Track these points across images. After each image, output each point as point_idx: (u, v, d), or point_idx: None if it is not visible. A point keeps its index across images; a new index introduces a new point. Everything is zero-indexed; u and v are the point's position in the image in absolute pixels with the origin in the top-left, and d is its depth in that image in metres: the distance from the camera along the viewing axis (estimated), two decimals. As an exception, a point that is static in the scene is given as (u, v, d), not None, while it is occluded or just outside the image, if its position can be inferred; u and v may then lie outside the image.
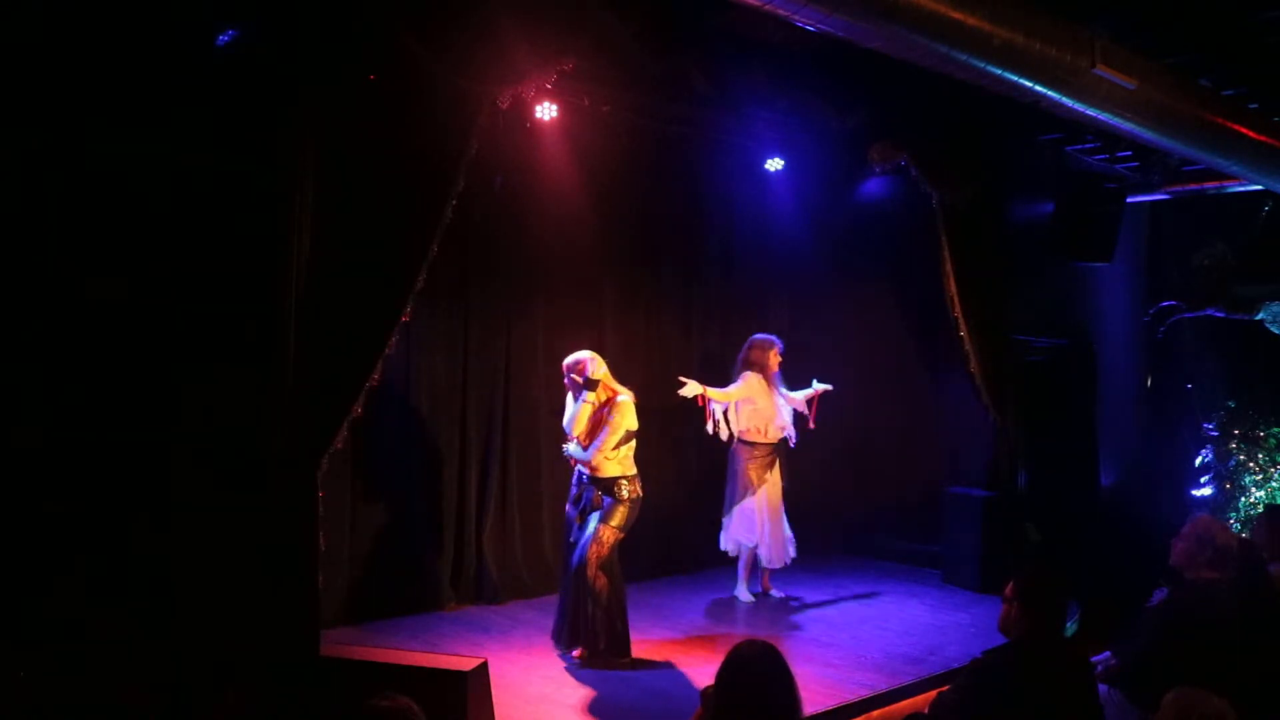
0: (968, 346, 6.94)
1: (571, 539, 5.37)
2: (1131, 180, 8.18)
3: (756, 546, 6.54)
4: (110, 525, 4.09)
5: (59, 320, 4.07)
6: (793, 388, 6.67)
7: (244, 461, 4.24)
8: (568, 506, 5.47)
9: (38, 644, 3.87)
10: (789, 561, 6.65)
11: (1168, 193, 8.38)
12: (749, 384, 6.47)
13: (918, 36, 4.41)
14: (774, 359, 6.52)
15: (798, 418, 6.67)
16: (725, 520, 6.64)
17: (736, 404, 6.50)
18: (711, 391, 6.31)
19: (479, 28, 4.46)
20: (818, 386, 6.64)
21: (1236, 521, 7.49)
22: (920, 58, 4.65)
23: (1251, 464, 7.76)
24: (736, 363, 6.62)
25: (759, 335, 6.64)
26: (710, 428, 6.40)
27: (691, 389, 6.13)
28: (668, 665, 5.37)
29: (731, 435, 6.47)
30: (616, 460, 5.28)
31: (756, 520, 6.48)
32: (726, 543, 6.66)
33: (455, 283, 6.25)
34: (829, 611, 6.55)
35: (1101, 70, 5.00)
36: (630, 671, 5.23)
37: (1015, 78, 4.88)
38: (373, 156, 4.38)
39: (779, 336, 6.69)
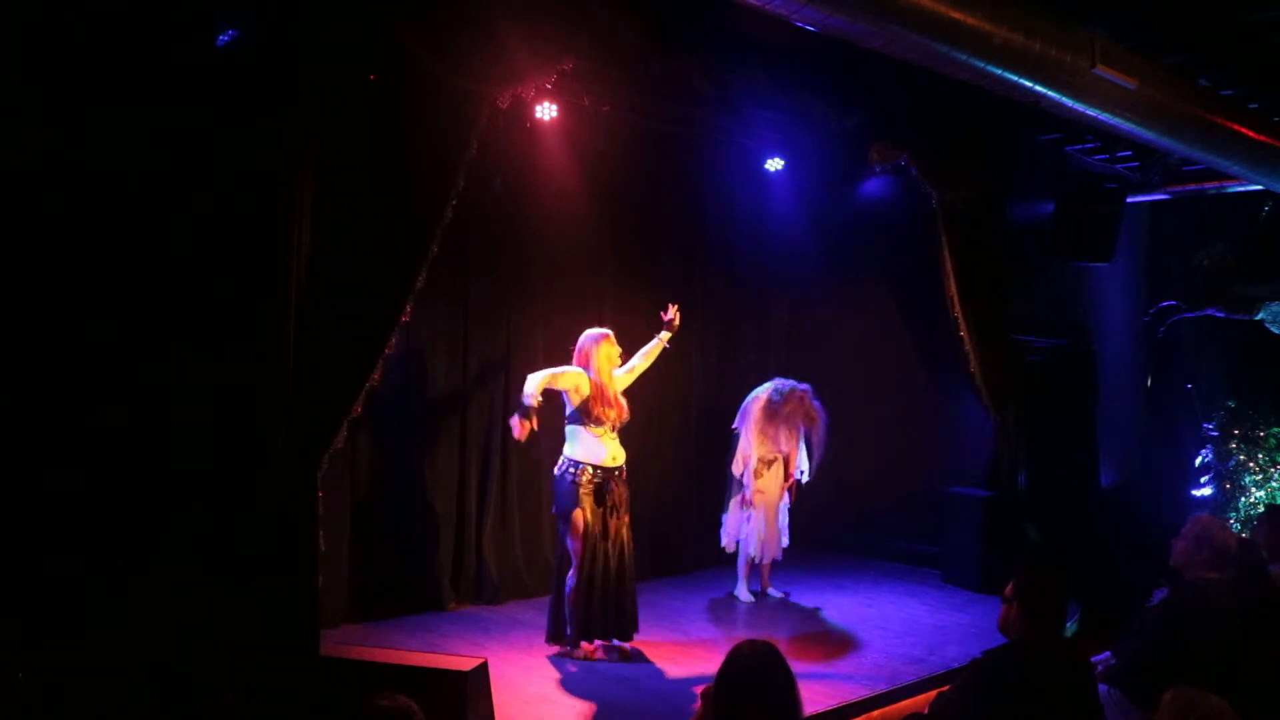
0: (968, 346, 6.94)
1: (588, 541, 5.25)
2: (1131, 180, 8.19)
3: (747, 540, 6.54)
4: (109, 524, 4.09)
5: (58, 319, 4.07)
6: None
7: (244, 461, 4.24)
8: (581, 510, 5.23)
9: (36, 644, 3.87)
10: (779, 556, 6.66)
11: (1168, 193, 8.40)
12: (755, 418, 6.50)
13: (918, 36, 4.42)
14: (791, 412, 6.48)
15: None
16: (724, 517, 6.66)
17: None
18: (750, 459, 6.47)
19: (479, 28, 4.47)
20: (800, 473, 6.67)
21: (1236, 521, 7.49)
22: (920, 58, 4.66)
23: (1251, 464, 7.77)
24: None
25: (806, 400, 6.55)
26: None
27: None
28: (667, 665, 5.36)
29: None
30: None
31: (753, 517, 6.50)
32: (724, 539, 6.68)
33: (455, 282, 6.24)
34: (829, 611, 6.55)
35: (1101, 70, 5.01)
36: (630, 672, 5.23)
37: (1015, 78, 4.89)
38: (373, 157, 4.38)
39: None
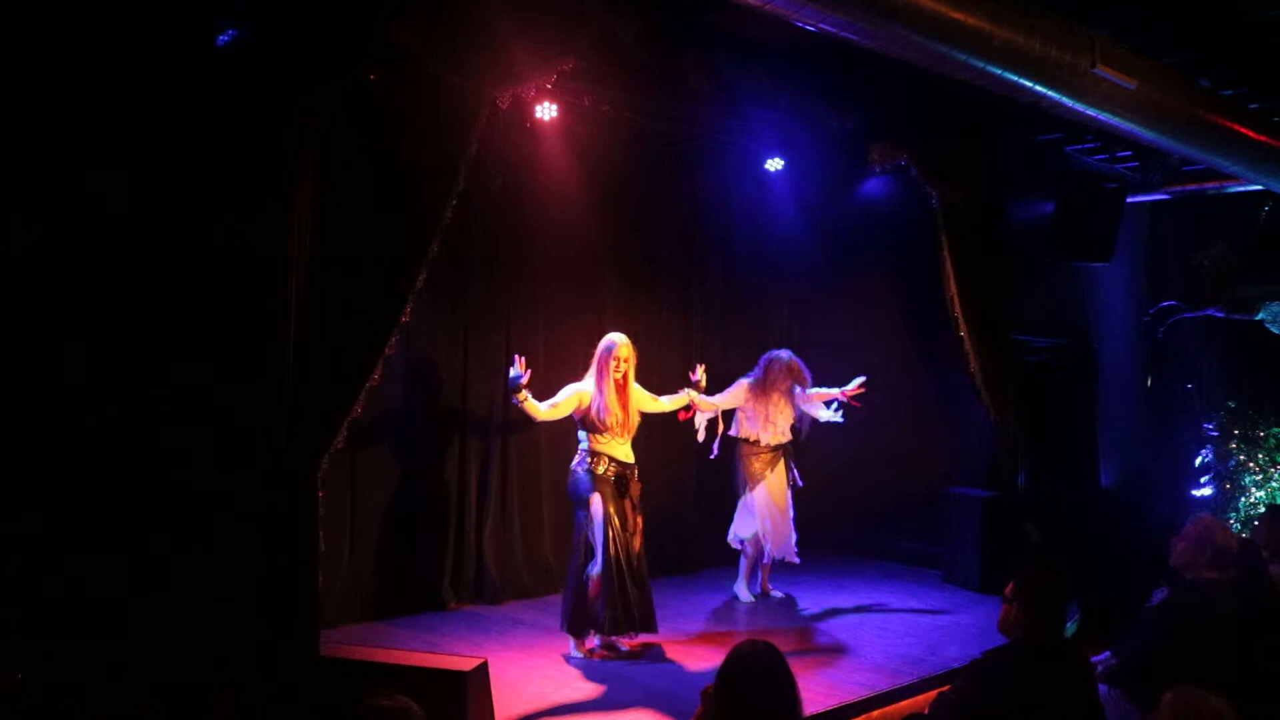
0: (968, 346, 6.94)
1: (611, 529, 5.23)
2: (1131, 180, 8.18)
3: (756, 538, 6.52)
4: (111, 525, 4.09)
5: (58, 321, 4.07)
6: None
7: (244, 461, 4.24)
8: (600, 496, 5.26)
9: (36, 643, 3.87)
10: (791, 558, 6.62)
11: (1168, 193, 8.38)
12: (735, 393, 6.50)
13: (917, 36, 4.42)
14: (777, 377, 6.48)
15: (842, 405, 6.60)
16: (736, 515, 6.66)
17: (736, 410, 6.56)
18: (701, 401, 6.23)
19: (479, 28, 4.47)
20: (849, 388, 6.51)
21: (1236, 521, 7.49)
22: (920, 58, 4.66)
23: (1251, 464, 7.76)
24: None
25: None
26: (700, 436, 6.39)
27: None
28: (668, 665, 5.37)
29: (711, 437, 6.40)
30: None
31: (758, 513, 6.50)
32: (731, 536, 6.67)
33: (455, 282, 6.25)
34: (829, 611, 6.55)
35: (1101, 70, 5.01)
36: (631, 671, 5.23)
37: (1015, 78, 4.89)
38: (373, 157, 4.38)
39: (783, 344, 6.73)
